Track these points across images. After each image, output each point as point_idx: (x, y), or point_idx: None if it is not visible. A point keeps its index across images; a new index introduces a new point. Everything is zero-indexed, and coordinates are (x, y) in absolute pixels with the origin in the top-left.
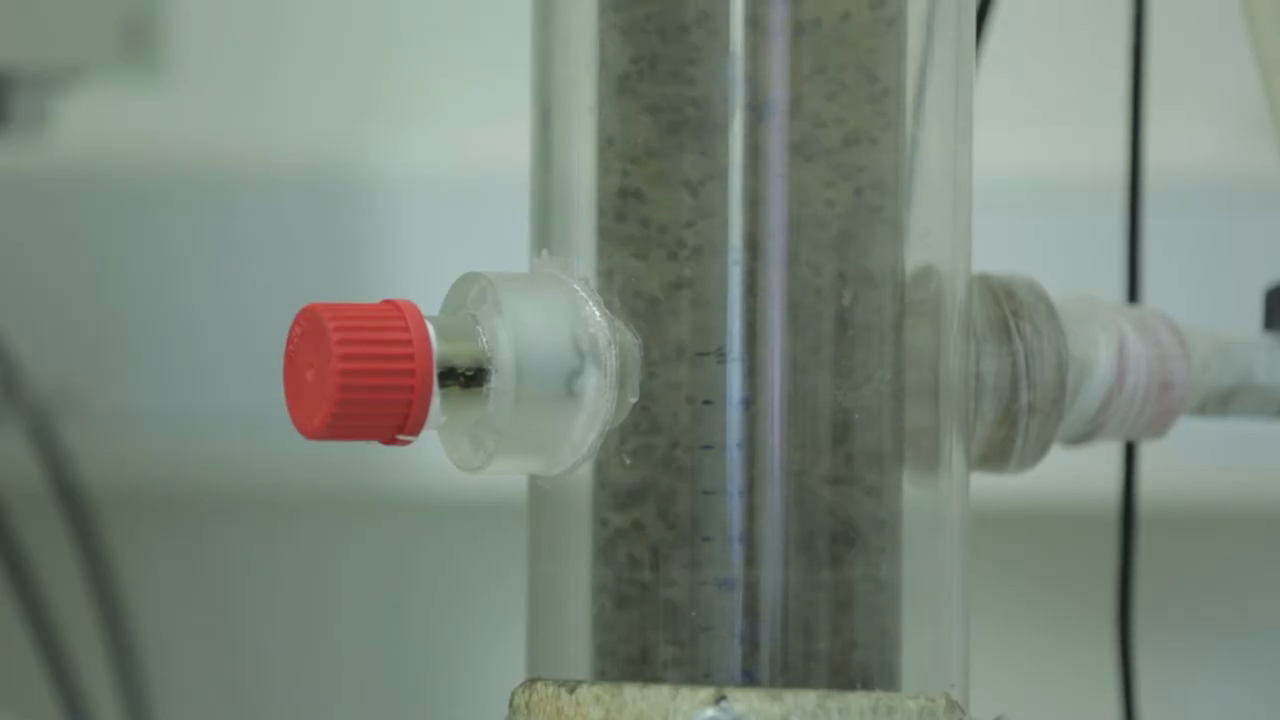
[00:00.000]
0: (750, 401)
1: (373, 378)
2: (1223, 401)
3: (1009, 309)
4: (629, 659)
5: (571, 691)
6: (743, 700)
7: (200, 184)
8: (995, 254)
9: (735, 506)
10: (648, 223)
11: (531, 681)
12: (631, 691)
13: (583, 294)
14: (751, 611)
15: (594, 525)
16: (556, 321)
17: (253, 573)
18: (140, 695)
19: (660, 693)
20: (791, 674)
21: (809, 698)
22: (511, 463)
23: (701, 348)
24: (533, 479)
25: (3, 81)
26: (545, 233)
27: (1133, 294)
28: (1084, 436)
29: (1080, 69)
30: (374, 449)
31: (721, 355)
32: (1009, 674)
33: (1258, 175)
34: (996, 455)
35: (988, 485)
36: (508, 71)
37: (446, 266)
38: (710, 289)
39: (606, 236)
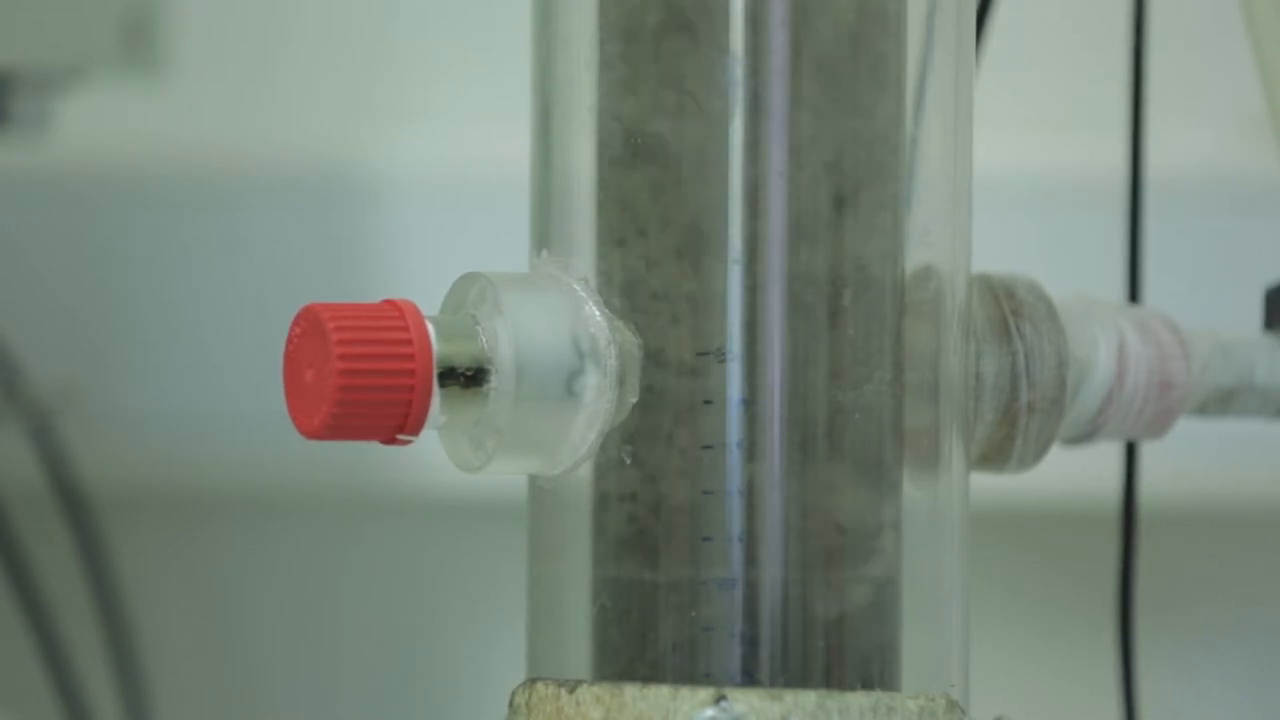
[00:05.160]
0: (750, 401)
1: (373, 378)
2: (1223, 401)
3: (1009, 309)
4: (629, 659)
5: (571, 691)
6: (743, 700)
7: (200, 184)
8: (995, 254)
9: (735, 506)
10: (647, 223)
11: (531, 681)
12: (631, 691)
13: (583, 294)
14: (751, 611)
15: (594, 525)
16: (556, 321)
17: (253, 573)
18: (140, 695)
19: (660, 693)
20: (791, 674)
21: (809, 698)
22: (511, 463)
23: (701, 348)
24: (533, 479)
25: (3, 81)
26: (545, 233)
27: (1133, 294)
28: (1084, 436)
29: (1080, 69)
30: (374, 449)
31: (721, 355)
32: (1009, 674)
33: (1258, 175)
34: (996, 455)
35: (988, 485)
36: (508, 71)
37: (446, 266)
38: (710, 289)
39: (606, 236)
